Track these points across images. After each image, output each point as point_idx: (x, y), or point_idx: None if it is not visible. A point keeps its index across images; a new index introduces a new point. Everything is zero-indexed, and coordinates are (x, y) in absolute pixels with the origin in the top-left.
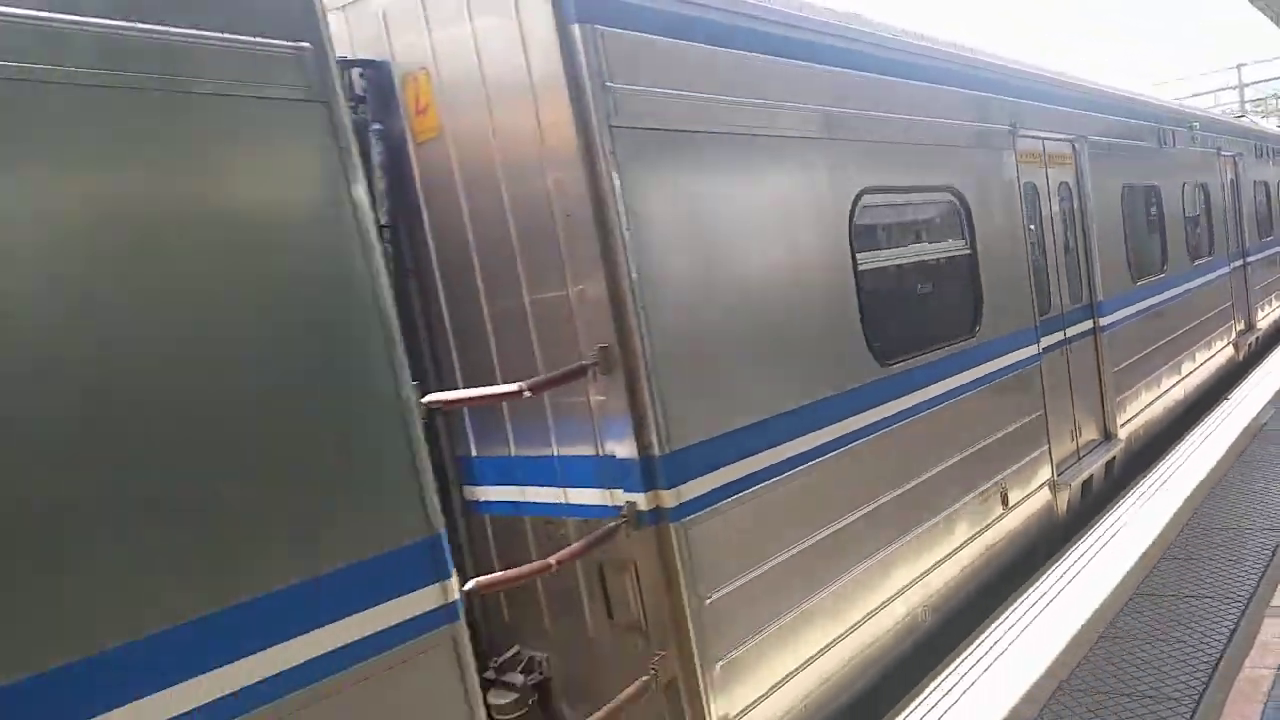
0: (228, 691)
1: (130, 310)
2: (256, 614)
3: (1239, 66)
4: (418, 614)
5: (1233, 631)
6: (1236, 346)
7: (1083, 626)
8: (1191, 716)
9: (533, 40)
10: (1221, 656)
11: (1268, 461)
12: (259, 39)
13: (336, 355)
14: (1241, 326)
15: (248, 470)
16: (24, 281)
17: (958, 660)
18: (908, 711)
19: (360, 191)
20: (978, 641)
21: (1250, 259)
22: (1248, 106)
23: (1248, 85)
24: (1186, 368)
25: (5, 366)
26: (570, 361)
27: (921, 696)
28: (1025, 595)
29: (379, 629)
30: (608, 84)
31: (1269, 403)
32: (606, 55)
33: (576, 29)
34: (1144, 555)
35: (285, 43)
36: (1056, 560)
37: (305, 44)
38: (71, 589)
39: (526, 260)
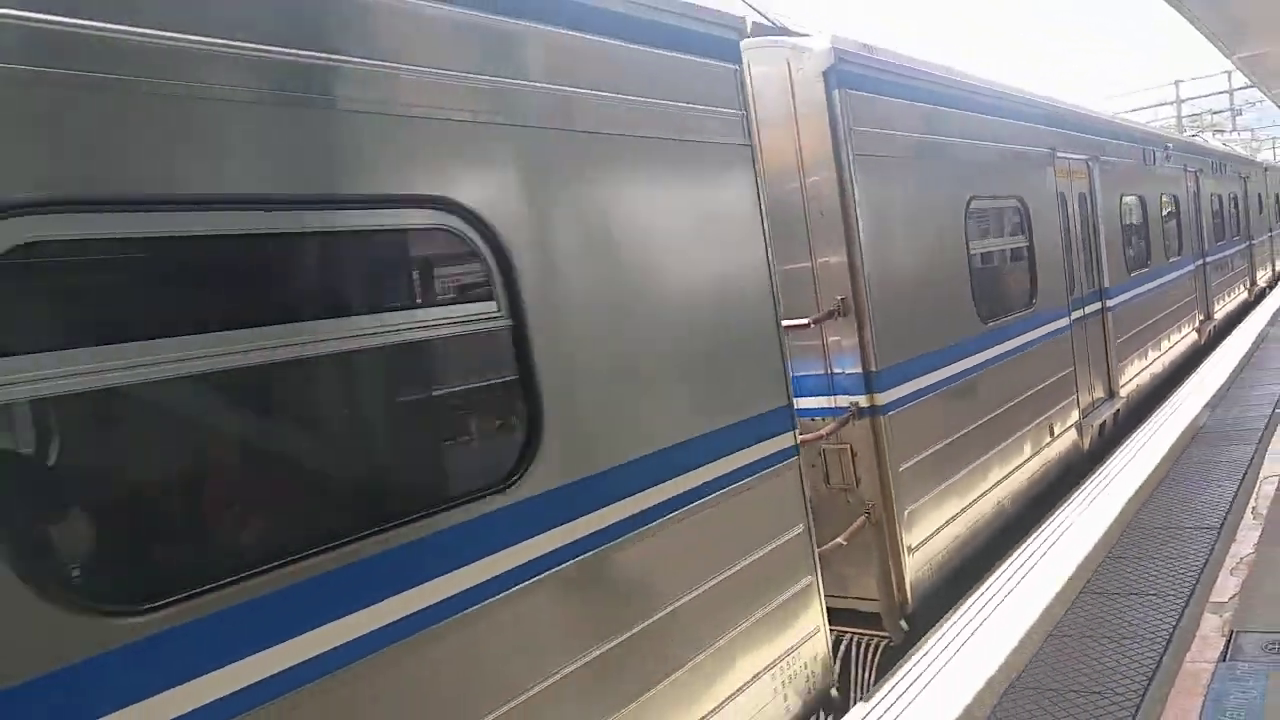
0: (729, 470)
1: (698, 278)
2: (739, 431)
3: (1176, 83)
4: (786, 447)
5: (1174, 627)
6: (1199, 332)
7: (1032, 626)
8: (1136, 711)
9: (803, 96)
10: (1164, 652)
11: (1204, 463)
12: (733, 110)
13: (759, 301)
14: (1202, 316)
15: (738, 361)
16: (672, 266)
17: (913, 659)
18: (866, 712)
19: (764, 197)
20: (931, 642)
21: (1209, 259)
22: (1184, 122)
23: (1184, 101)
24: (1165, 345)
25: (671, 315)
26: (807, 314)
27: (877, 698)
28: (979, 595)
29: (774, 451)
30: (852, 128)
31: (1205, 406)
32: (852, 109)
33: (837, 93)
34: (1090, 554)
35: (740, 111)
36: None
37: (744, 111)
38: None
39: (777, 241)
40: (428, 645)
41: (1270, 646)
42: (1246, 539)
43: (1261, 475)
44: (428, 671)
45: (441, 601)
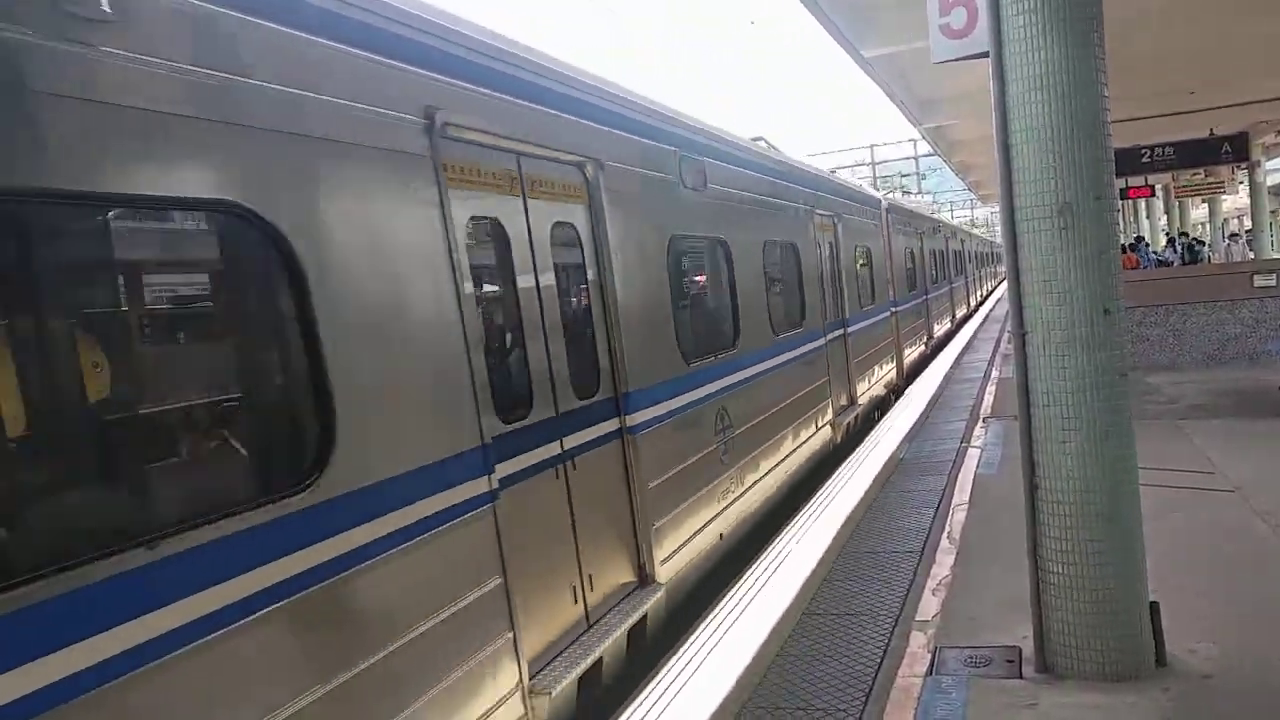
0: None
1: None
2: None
3: (872, 147)
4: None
5: (886, 645)
6: (927, 341)
7: (759, 649)
8: None
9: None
10: (879, 669)
11: (905, 491)
12: (879, 219)
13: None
14: (961, 311)
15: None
16: None
17: (645, 690)
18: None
19: (888, 240)
20: (663, 671)
21: (953, 284)
22: (879, 182)
23: (879, 163)
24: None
25: None
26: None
27: None
28: (708, 622)
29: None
30: (891, 224)
31: (904, 439)
32: (890, 218)
33: (887, 214)
34: (810, 578)
35: (880, 220)
36: (732, 589)
37: (880, 220)
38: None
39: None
40: None
41: (968, 660)
42: (944, 562)
43: (953, 503)
44: None
45: None
